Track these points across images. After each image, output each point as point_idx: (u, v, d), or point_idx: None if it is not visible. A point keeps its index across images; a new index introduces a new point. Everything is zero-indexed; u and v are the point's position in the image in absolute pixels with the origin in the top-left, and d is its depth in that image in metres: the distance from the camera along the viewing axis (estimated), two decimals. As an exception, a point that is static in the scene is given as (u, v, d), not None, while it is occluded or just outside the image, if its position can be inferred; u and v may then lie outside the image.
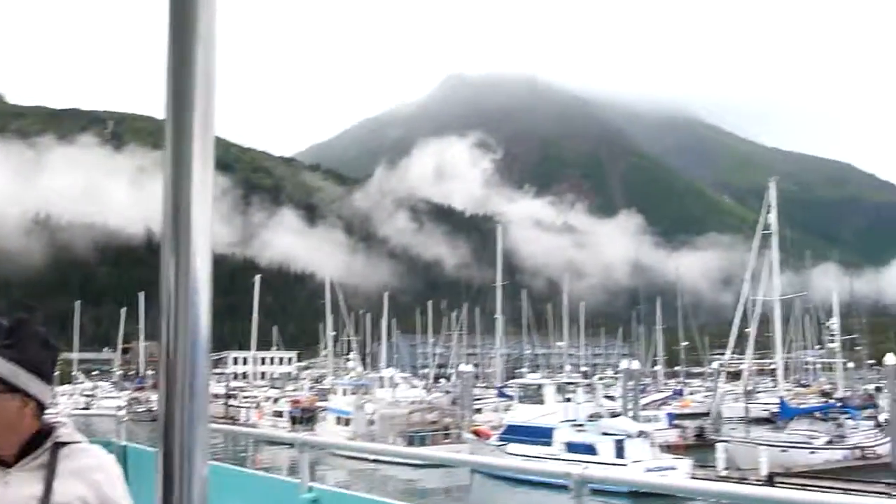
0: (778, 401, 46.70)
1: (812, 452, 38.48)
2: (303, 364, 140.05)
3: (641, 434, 32.96)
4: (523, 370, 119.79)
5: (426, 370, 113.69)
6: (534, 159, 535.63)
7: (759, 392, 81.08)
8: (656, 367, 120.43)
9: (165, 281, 1.18)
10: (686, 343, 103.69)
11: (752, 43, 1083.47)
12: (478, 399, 56.02)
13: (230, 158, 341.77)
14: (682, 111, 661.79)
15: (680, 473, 31.49)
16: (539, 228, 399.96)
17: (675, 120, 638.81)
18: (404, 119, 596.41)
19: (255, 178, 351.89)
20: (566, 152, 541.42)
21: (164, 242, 1.18)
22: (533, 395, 41.66)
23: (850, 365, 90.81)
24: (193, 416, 1.21)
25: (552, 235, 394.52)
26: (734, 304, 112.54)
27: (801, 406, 44.03)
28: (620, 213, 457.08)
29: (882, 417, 44.48)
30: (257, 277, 74.44)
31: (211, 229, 1.23)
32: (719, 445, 35.28)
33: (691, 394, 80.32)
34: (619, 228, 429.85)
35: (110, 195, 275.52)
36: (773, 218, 45.29)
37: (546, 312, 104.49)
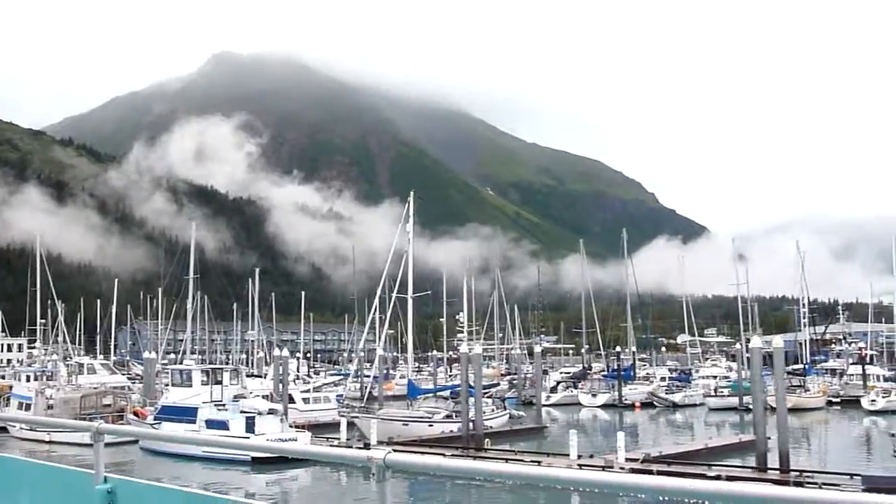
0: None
1: (430, 425, 46.85)
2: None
3: (272, 412, 39.58)
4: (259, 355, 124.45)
5: (171, 356, 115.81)
6: (302, 144, 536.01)
7: (455, 375, 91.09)
8: (397, 353, 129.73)
9: None
10: (389, 332, 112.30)
11: (516, 41, 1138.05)
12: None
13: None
14: (450, 104, 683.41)
15: (300, 444, 38.33)
16: (305, 214, 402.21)
17: (443, 112, 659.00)
18: (168, 95, 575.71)
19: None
20: (335, 139, 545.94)
21: None
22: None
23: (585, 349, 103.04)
24: None
25: (318, 221, 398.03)
26: (489, 292, 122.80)
27: (424, 386, 52.61)
28: (386, 202, 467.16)
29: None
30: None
31: None
32: (342, 420, 42.72)
33: (401, 376, 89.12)
34: (384, 216, 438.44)
35: None
36: (410, 227, 53.10)
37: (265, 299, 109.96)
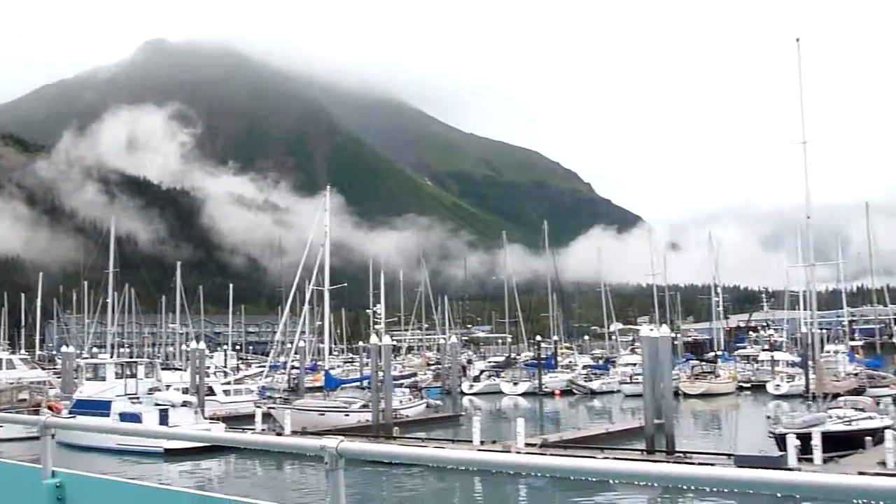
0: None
1: (346, 415, 48.19)
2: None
3: (186, 404, 40.56)
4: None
5: (95, 350, 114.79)
6: (237, 134, 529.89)
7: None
8: (321, 344, 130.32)
9: None
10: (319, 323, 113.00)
11: (454, 31, 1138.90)
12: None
13: None
14: (388, 93, 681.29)
15: (254, 434, 39.37)
16: (240, 205, 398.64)
17: (381, 102, 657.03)
18: (99, 83, 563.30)
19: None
20: (271, 129, 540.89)
21: None
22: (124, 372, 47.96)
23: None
24: None
25: (254, 213, 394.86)
26: (422, 282, 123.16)
27: (342, 378, 54.00)
28: (322, 193, 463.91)
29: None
30: None
31: None
32: (258, 411, 43.86)
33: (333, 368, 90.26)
34: (320, 207, 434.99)
35: None
36: (327, 217, 54.32)
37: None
